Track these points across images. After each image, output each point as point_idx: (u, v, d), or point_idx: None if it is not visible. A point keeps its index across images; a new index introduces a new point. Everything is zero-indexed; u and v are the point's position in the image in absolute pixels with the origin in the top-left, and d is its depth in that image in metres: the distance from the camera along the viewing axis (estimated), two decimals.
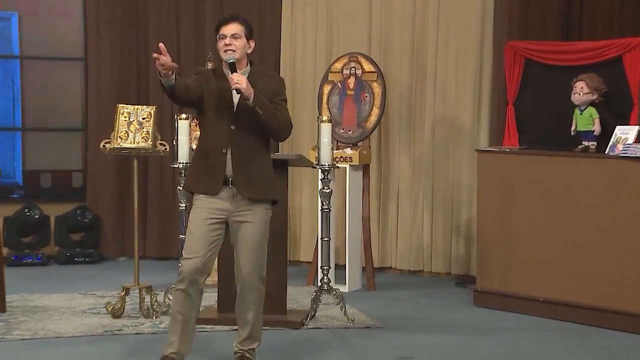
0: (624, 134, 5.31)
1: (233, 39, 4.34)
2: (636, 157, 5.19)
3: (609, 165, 5.34)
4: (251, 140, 4.37)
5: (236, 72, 4.28)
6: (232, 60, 4.29)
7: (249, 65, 4.42)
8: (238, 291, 4.45)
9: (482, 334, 5.24)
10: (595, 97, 5.58)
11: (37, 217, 7.38)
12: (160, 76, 4.13)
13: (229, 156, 4.32)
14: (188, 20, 7.53)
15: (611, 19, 6.52)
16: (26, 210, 7.38)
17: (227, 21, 4.41)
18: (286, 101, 4.50)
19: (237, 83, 4.21)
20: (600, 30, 6.43)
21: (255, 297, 4.43)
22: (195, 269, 4.31)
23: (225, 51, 4.33)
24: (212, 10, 7.47)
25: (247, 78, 4.30)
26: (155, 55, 4.11)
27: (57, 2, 7.57)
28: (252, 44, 4.43)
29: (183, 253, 4.35)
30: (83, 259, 7.37)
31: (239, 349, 4.48)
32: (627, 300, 5.26)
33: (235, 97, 4.32)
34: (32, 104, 7.58)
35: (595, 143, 5.53)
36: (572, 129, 5.67)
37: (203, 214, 4.33)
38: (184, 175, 5.57)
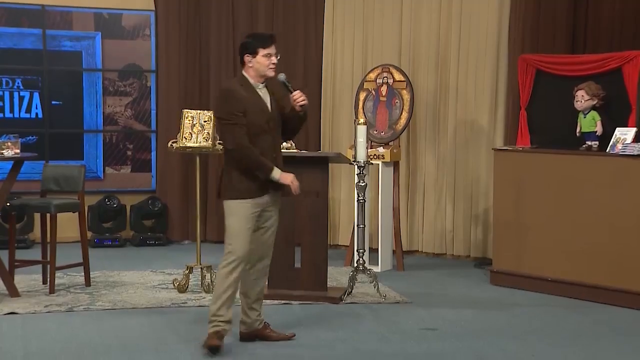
0: (623, 134, 5.23)
1: (276, 58, 4.24)
2: (633, 155, 5.12)
3: (610, 162, 5.27)
4: (280, 143, 4.39)
5: (290, 89, 4.22)
6: (285, 80, 4.25)
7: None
8: (259, 267, 4.36)
9: (497, 308, 5.21)
10: (595, 102, 5.50)
11: (115, 206, 7.48)
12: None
13: (276, 160, 4.26)
14: (243, 35, 7.49)
15: (612, 34, 6.42)
16: (106, 200, 7.48)
17: (273, 41, 4.24)
18: None
19: (304, 100, 4.20)
20: (603, 44, 6.33)
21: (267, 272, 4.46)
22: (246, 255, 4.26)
23: (270, 69, 4.19)
24: (263, 29, 7.47)
25: (266, 86, 4.23)
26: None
27: (134, 23, 7.66)
28: None
29: (235, 243, 4.21)
30: (154, 242, 7.45)
31: (261, 318, 4.44)
32: (624, 279, 5.19)
33: (268, 106, 4.22)
34: (112, 110, 7.69)
35: (597, 143, 5.46)
36: (578, 130, 5.60)
37: (250, 214, 4.20)
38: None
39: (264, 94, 4.28)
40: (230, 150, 4.20)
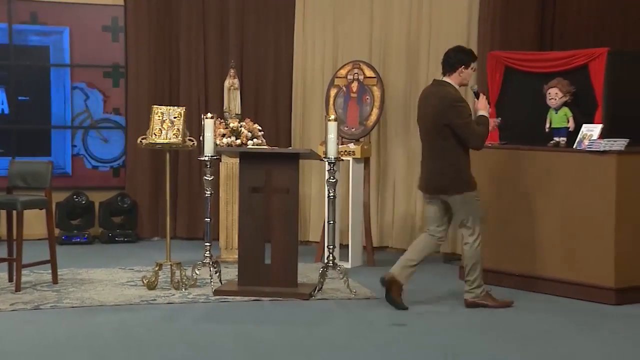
0: (589, 131, 5.28)
1: None
2: (599, 151, 5.17)
3: (577, 158, 5.31)
4: None
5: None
6: (477, 89, 5.10)
7: None
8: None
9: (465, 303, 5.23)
10: (567, 98, 5.56)
11: (83, 202, 7.39)
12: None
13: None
14: (214, 32, 7.51)
15: (578, 32, 6.48)
16: (74, 196, 7.39)
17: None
18: None
19: (486, 107, 5.06)
20: (570, 41, 6.39)
21: None
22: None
23: (468, 79, 5.07)
24: (235, 27, 7.46)
25: None
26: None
27: (102, 18, 7.57)
28: None
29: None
30: (123, 239, 7.39)
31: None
32: (593, 273, 5.23)
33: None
34: (79, 106, 7.59)
35: (565, 139, 5.51)
36: (547, 126, 5.63)
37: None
38: (210, 167, 5.54)
39: None
40: (475, 144, 5.01)
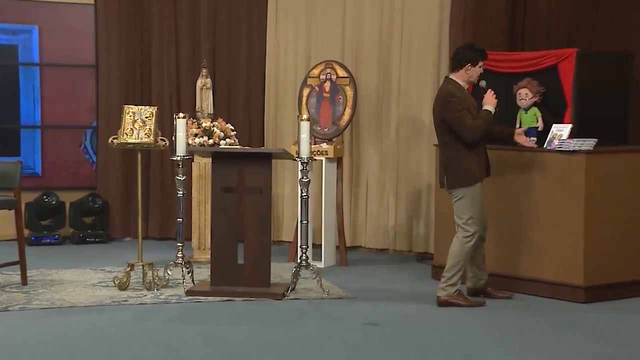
0: (559, 130, 5.33)
1: None
2: (569, 151, 5.23)
3: (547, 157, 5.37)
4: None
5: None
6: (485, 86, 5.15)
7: None
8: (482, 238, 5.21)
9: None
10: (537, 98, 5.61)
11: (54, 202, 7.32)
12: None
13: (485, 148, 5.14)
14: (186, 31, 7.47)
15: (548, 32, 6.55)
16: (44, 196, 7.31)
17: (487, 54, 5.17)
18: None
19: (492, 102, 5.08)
20: (540, 42, 6.45)
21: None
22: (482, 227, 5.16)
23: (477, 77, 5.12)
24: (207, 26, 7.43)
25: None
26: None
27: (72, 17, 7.49)
28: None
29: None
30: (94, 239, 7.32)
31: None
32: (563, 272, 5.29)
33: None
34: (50, 106, 7.51)
35: (535, 139, 5.55)
36: (517, 126, 5.68)
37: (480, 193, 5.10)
38: (182, 167, 5.51)
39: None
40: (468, 137, 5.02)
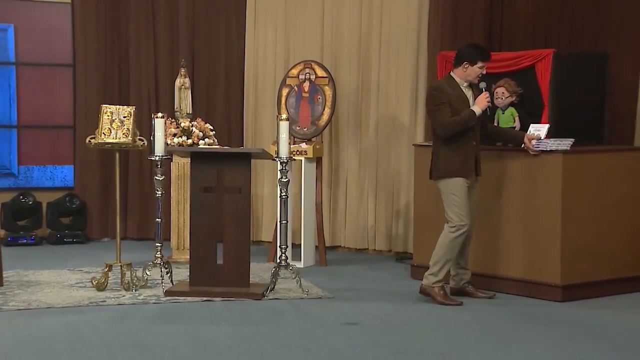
0: (536, 130, 5.37)
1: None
2: (547, 151, 5.27)
3: (524, 157, 5.40)
4: (479, 133, 5.16)
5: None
6: (484, 88, 5.14)
7: None
8: (467, 235, 5.16)
9: (417, 302, 5.27)
10: (514, 98, 5.64)
11: (30, 203, 7.25)
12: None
13: (476, 148, 5.12)
14: (164, 30, 7.45)
15: (525, 33, 6.60)
16: (21, 197, 7.25)
17: (489, 57, 5.14)
18: None
19: (482, 104, 5.06)
20: (517, 42, 6.50)
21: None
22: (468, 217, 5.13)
23: (477, 78, 5.12)
24: (185, 26, 7.40)
25: (470, 87, 5.13)
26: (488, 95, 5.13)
27: (49, 16, 7.43)
28: None
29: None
30: (71, 240, 7.26)
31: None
32: (540, 271, 5.33)
33: (470, 101, 5.10)
34: (26, 105, 7.45)
35: None
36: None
37: (465, 188, 5.10)
38: (161, 167, 5.49)
39: (467, 91, 5.16)
40: (441, 132, 5.09)
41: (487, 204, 5.54)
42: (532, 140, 5.22)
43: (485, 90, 5.17)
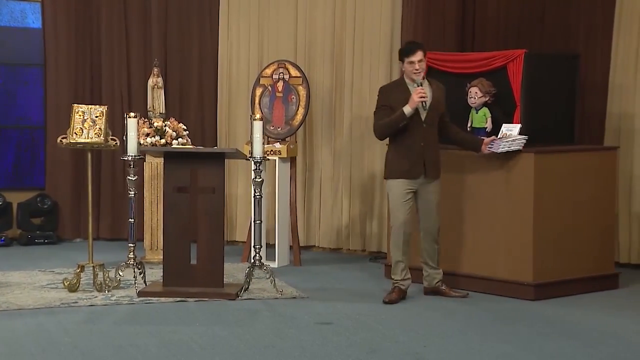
0: (509, 130, 5.41)
1: (420, 64, 5.08)
2: (497, 153, 5.25)
3: (496, 156, 5.42)
4: (434, 134, 5.16)
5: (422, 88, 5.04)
6: (419, 81, 5.06)
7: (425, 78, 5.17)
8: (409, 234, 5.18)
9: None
10: (487, 98, 5.67)
11: (0, 203, 7.15)
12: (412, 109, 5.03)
13: (423, 149, 5.10)
14: (137, 30, 7.39)
15: (497, 34, 6.66)
16: None
17: (413, 51, 5.10)
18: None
19: (421, 96, 5.01)
20: (489, 42, 6.55)
21: (439, 239, 5.29)
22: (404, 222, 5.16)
23: (414, 73, 5.06)
24: (158, 24, 7.35)
25: (429, 89, 5.11)
26: (423, 93, 5.01)
27: (18, 13, 7.34)
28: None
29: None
30: (43, 241, 7.18)
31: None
32: (515, 271, 5.37)
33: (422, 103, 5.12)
34: None
35: (485, 138, 5.62)
36: (468, 125, 5.74)
37: (403, 189, 5.13)
38: (134, 167, 5.46)
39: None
40: (375, 133, 5.21)
41: (460, 204, 5.58)
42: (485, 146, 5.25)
43: (418, 86, 5.08)
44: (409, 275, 5.27)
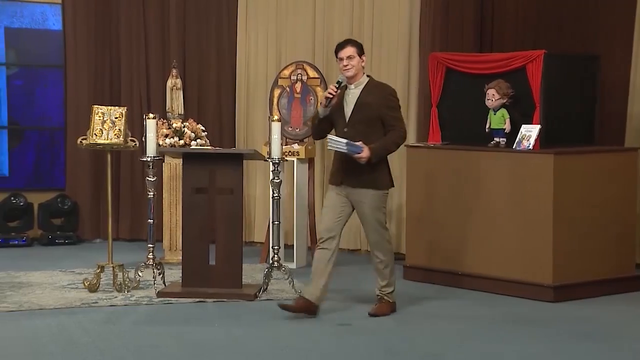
0: (528, 131, 5.39)
1: (349, 60, 4.77)
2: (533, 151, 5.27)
3: (516, 158, 5.42)
4: (363, 138, 4.72)
5: (336, 86, 4.73)
6: (340, 80, 4.76)
7: (366, 78, 4.85)
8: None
9: (410, 303, 5.26)
10: (505, 100, 5.65)
11: (22, 204, 7.22)
12: (324, 107, 4.76)
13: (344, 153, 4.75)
14: (156, 31, 7.43)
15: (516, 35, 6.62)
16: (12, 198, 7.21)
17: (342, 46, 4.82)
18: (397, 110, 4.91)
19: (330, 93, 4.74)
20: (508, 43, 6.52)
21: (381, 253, 4.93)
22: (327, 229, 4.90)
23: (344, 70, 4.77)
24: (176, 26, 7.38)
25: (361, 90, 4.79)
26: (331, 90, 4.71)
27: (40, 15, 7.40)
28: (364, 58, 4.88)
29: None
30: (63, 241, 7.23)
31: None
32: (531, 272, 5.35)
33: (348, 107, 4.79)
34: (17, 106, 7.42)
35: (504, 139, 5.60)
36: (487, 127, 5.72)
37: (331, 194, 4.88)
38: (153, 168, 5.48)
39: (353, 93, 4.83)
40: None
41: (479, 205, 5.55)
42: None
43: (336, 83, 4.79)
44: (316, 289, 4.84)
